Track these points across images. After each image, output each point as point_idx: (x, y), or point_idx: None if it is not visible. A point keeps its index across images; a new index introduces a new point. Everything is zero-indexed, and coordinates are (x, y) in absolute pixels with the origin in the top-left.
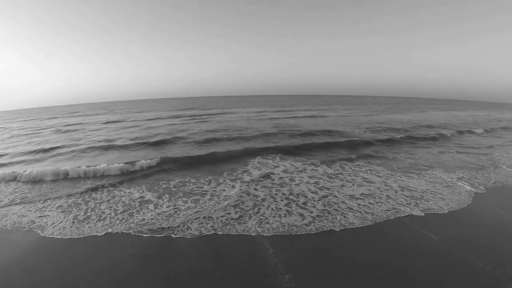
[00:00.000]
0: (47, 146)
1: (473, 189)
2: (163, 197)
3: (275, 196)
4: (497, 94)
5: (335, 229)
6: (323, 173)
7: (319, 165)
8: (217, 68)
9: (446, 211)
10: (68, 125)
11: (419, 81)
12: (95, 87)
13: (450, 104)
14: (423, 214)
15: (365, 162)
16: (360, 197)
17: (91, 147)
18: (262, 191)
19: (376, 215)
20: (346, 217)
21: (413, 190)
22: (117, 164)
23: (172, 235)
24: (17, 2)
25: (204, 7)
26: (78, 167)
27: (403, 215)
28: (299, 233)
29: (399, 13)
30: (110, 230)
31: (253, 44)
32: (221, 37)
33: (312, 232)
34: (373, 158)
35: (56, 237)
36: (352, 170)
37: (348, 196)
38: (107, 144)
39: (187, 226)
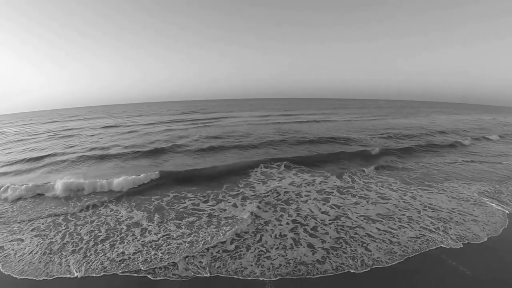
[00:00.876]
0: (40, 154)
1: (504, 209)
2: (154, 218)
3: (280, 218)
4: (495, 98)
5: (356, 271)
6: (332, 186)
7: (328, 177)
8: (220, 71)
9: (485, 239)
10: (66, 129)
11: (419, 85)
12: (97, 90)
13: (451, 108)
14: (461, 245)
15: (375, 172)
16: (377, 218)
17: (84, 156)
18: (266, 211)
19: (404, 247)
20: (368, 250)
21: (437, 210)
22: (105, 181)
23: (151, 277)
24: (22, 8)
25: (204, 11)
26: (66, 181)
27: (435, 247)
28: (309, 276)
29: (401, 17)
30: (81, 272)
31: (254, 47)
32: (223, 40)
33: (329, 274)
34: (384, 168)
35: (17, 277)
36: (363, 182)
37: (364, 218)
38: (101, 152)
39: (173, 261)
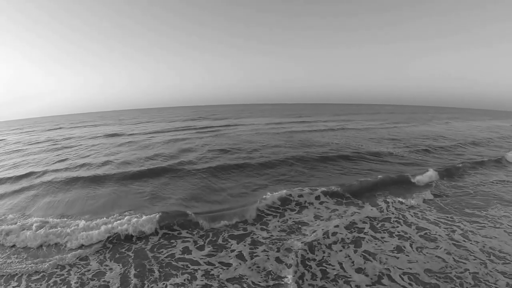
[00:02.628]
0: (28, 169)
1: None
2: (130, 276)
3: (301, 281)
4: (496, 102)
5: None
6: (363, 219)
7: (360, 205)
8: (230, 77)
9: None
10: (67, 138)
11: (424, 90)
12: (109, 96)
13: (462, 113)
14: None
15: (406, 198)
16: (432, 280)
17: (71, 178)
18: (286, 264)
19: None
20: None
21: (507, 259)
22: (82, 233)
23: None
24: (33, 12)
25: (214, 18)
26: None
27: None
28: None
29: (404, 21)
30: None
31: (264, 53)
32: (233, 46)
33: None
34: (416, 190)
35: None
36: (397, 210)
37: (413, 278)
38: (90, 173)
39: None
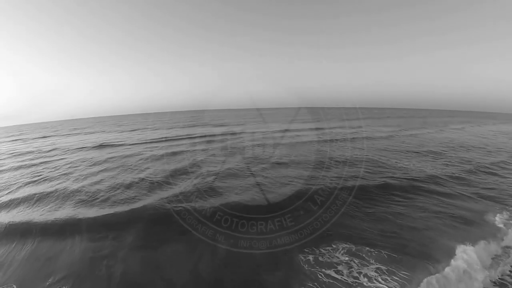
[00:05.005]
0: None
1: None
2: None
3: None
4: (492, 104)
5: None
6: None
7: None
8: (235, 80)
9: None
10: (53, 149)
11: (418, 92)
12: (117, 102)
13: (465, 117)
14: None
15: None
16: None
17: (22, 222)
18: None
19: None
20: None
21: None
22: None
23: None
24: (41, 17)
25: (219, 21)
26: None
27: None
28: None
29: (393, 22)
30: None
31: (264, 55)
32: (241, 49)
33: None
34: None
35: None
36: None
37: None
38: (49, 217)
39: None
